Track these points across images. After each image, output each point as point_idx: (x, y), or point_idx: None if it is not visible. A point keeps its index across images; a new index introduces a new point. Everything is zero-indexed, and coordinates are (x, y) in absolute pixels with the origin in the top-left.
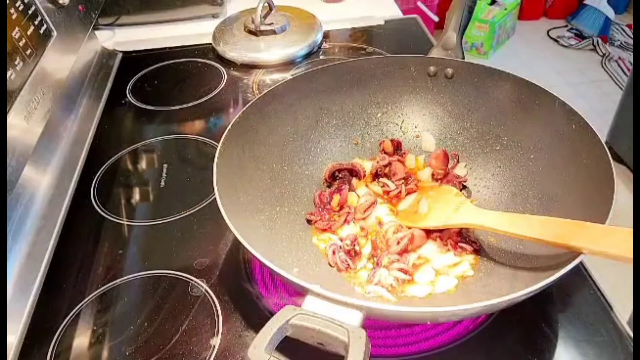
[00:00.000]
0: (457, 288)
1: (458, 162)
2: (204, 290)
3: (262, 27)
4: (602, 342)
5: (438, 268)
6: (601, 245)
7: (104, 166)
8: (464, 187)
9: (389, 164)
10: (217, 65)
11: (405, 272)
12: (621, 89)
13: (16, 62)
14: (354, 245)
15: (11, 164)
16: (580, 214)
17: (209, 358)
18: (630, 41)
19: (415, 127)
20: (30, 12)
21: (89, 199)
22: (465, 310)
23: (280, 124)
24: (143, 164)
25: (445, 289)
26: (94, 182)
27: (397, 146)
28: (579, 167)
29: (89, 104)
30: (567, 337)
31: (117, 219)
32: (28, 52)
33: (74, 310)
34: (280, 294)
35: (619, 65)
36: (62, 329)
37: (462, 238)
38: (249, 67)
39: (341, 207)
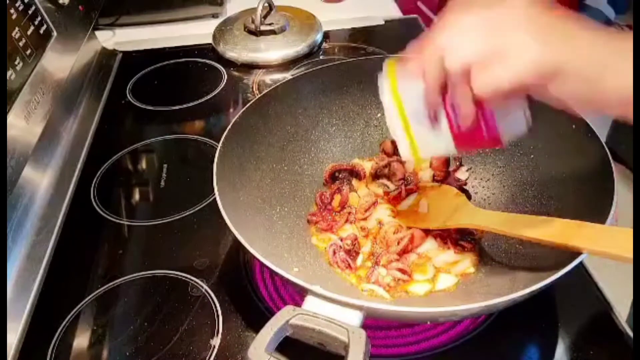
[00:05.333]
0: (456, 286)
1: (461, 165)
2: (204, 290)
3: (262, 27)
4: (602, 342)
5: (439, 266)
6: (601, 245)
7: (104, 166)
8: (464, 190)
9: (389, 164)
10: (217, 65)
11: (404, 272)
12: None
13: (16, 62)
14: (354, 245)
15: (11, 164)
16: (580, 214)
17: (209, 358)
18: None
19: None
20: (30, 12)
21: (89, 199)
22: (465, 310)
23: (280, 124)
24: (143, 164)
25: (445, 286)
26: (94, 182)
27: (397, 146)
28: (579, 167)
29: (89, 104)
30: (567, 337)
31: (117, 219)
32: (28, 52)
33: (74, 310)
34: (280, 294)
35: None
36: (62, 329)
37: (461, 236)
38: (249, 67)
39: (342, 208)
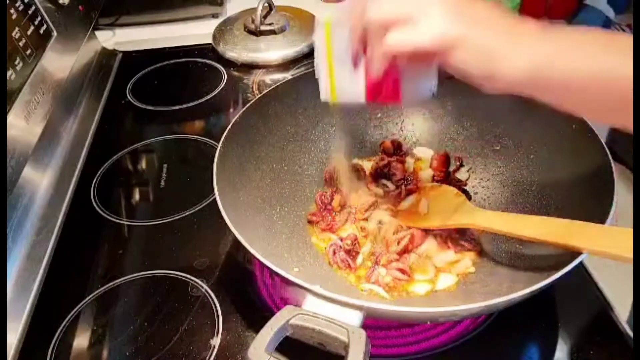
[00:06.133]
0: (457, 286)
1: (462, 165)
2: (204, 290)
3: (262, 27)
4: (602, 342)
5: (439, 265)
6: (601, 245)
7: (104, 166)
8: (464, 191)
9: (388, 164)
10: (217, 65)
11: (404, 272)
12: None
13: (16, 62)
14: (354, 245)
15: (11, 164)
16: (580, 214)
17: (209, 358)
18: None
19: (415, 126)
20: (30, 12)
21: (89, 199)
22: (465, 310)
23: (280, 124)
24: (143, 164)
25: (445, 286)
26: (94, 182)
27: (397, 147)
28: (579, 167)
29: (89, 104)
30: (567, 337)
31: (117, 219)
32: (28, 52)
33: (74, 310)
34: (280, 294)
35: None
36: (62, 329)
37: (461, 236)
38: (249, 67)
39: (342, 208)
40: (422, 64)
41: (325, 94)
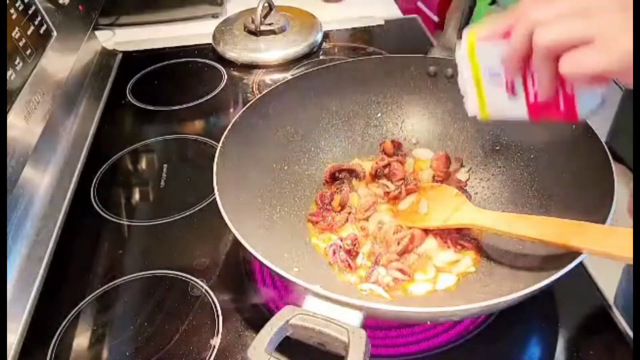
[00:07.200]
0: (457, 285)
1: (462, 166)
2: (204, 290)
3: (262, 27)
4: (602, 342)
5: (439, 265)
6: (601, 245)
7: (104, 166)
8: (464, 191)
9: (388, 164)
10: (217, 65)
11: (404, 272)
12: (621, 89)
13: (16, 62)
14: (354, 245)
15: (11, 164)
16: (581, 214)
17: (209, 358)
18: None
19: (415, 126)
20: (30, 12)
21: (89, 199)
22: (465, 310)
23: (280, 124)
24: (143, 164)
25: (445, 286)
26: (94, 182)
27: (397, 147)
28: (579, 167)
29: (89, 104)
30: (567, 337)
31: (117, 219)
32: (28, 52)
33: (74, 310)
34: (280, 294)
35: None
36: (62, 329)
37: (461, 236)
38: (249, 67)
39: (342, 208)
40: (600, 81)
41: (473, 111)
